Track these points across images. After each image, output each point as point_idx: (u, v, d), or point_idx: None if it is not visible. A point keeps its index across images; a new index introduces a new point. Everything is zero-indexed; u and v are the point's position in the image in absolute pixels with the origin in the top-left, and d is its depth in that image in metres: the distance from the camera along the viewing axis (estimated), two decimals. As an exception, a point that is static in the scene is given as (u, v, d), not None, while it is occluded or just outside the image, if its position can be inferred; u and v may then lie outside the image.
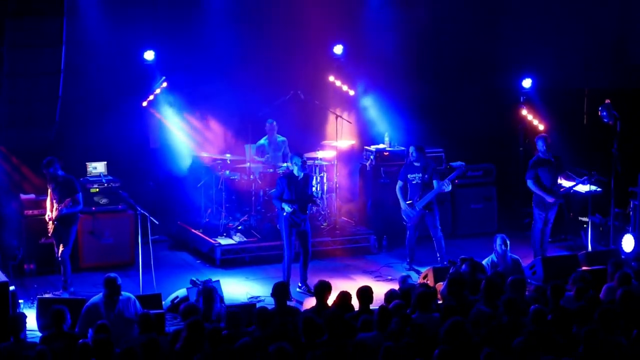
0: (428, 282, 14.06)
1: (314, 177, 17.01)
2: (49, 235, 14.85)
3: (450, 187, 16.02)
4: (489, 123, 18.78)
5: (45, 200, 14.97)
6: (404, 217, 16.19)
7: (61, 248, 14.62)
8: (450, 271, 13.25)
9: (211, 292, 12.42)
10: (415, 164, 15.95)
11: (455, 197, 18.19)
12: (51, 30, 14.20)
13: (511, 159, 19.05)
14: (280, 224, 15.08)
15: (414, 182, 15.98)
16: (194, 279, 14.10)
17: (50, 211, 14.73)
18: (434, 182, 15.88)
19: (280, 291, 11.87)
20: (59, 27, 14.05)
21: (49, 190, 14.79)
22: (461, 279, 12.14)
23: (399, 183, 16.18)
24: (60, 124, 15.93)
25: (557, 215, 16.53)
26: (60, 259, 14.67)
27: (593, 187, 16.43)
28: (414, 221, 16.03)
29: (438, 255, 15.92)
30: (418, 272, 15.60)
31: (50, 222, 14.69)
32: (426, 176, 15.89)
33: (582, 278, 12.16)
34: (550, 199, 15.95)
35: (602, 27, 18.38)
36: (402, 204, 16.08)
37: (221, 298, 12.96)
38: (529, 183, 16.08)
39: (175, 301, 13.51)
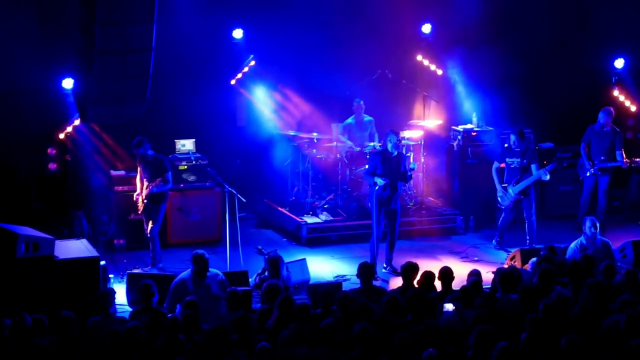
0: (515, 263, 13.96)
1: (411, 155, 16.94)
2: (139, 212, 15.06)
3: (548, 177, 15.78)
4: (579, 103, 18.48)
5: (134, 177, 15.17)
6: (499, 199, 16.04)
7: (150, 225, 14.81)
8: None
9: (277, 261, 12.50)
10: (515, 148, 15.75)
11: (544, 178, 17.97)
12: (143, 8, 14.28)
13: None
14: (371, 201, 15.02)
15: (512, 166, 15.79)
16: (259, 247, 14.06)
17: (140, 190, 14.93)
18: (532, 166, 15.68)
19: (365, 271, 11.88)
20: (151, 5, 14.12)
21: (139, 169, 14.99)
22: (551, 270, 11.80)
23: (496, 164, 16.01)
24: (150, 101, 16.11)
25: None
26: (149, 235, 14.87)
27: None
28: (509, 205, 15.87)
29: (527, 238, 15.73)
30: (507, 252, 15.47)
31: (140, 201, 14.89)
32: (525, 161, 15.69)
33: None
34: (587, 165, 16.63)
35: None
36: (498, 187, 15.93)
37: (287, 267, 13.04)
38: (581, 146, 16.78)
39: (257, 279, 13.45)
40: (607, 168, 16.57)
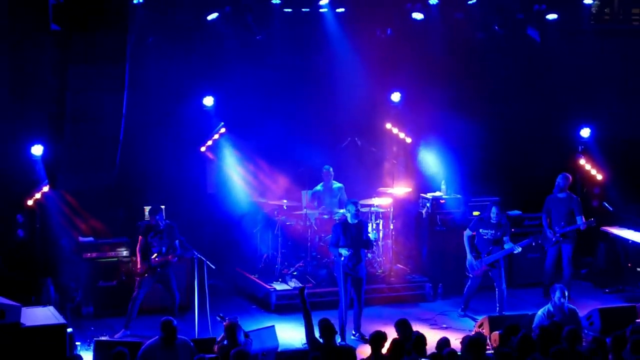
0: (483, 330, 13.98)
1: (370, 224, 17.00)
2: (144, 277, 14.99)
3: (520, 250, 15.87)
4: (546, 172, 18.67)
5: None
6: (468, 268, 16.08)
7: (177, 294, 15.03)
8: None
9: (234, 327, 12.43)
10: (492, 221, 15.80)
11: (512, 246, 18.04)
12: (113, 76, 14.39)
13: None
14: (337, 270, 15.10)
15: (485, 237, 15.83)
16: (221, 315, 14.10)
17: (142, 259, 14.95)
18: (505, 239, 15.75)
19: (325, 329, 11.85)
20: (121, 73, 14.23)
21: (141, 237, 15.01)
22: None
23: (468, 232, 16.01)
24: (120, 168, 16.14)
25: (614, 266, 16.59)
26: (177, 302, 15.09)
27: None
28: (478, 274, 15.92)
29: (497, 305, 15.76)
30: (473, 319, 15.51)
31: (147, 267, 14.91)
32: (499, 233, 15.75)
33: (637, 330, 11.93)
34: (549, 234, 16.75)
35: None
36: (469, 256, 15.97)
37: (245, 333, 12.97)
38: (542, 217, 17.06)
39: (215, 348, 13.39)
40: (568, 234, 16.73)
